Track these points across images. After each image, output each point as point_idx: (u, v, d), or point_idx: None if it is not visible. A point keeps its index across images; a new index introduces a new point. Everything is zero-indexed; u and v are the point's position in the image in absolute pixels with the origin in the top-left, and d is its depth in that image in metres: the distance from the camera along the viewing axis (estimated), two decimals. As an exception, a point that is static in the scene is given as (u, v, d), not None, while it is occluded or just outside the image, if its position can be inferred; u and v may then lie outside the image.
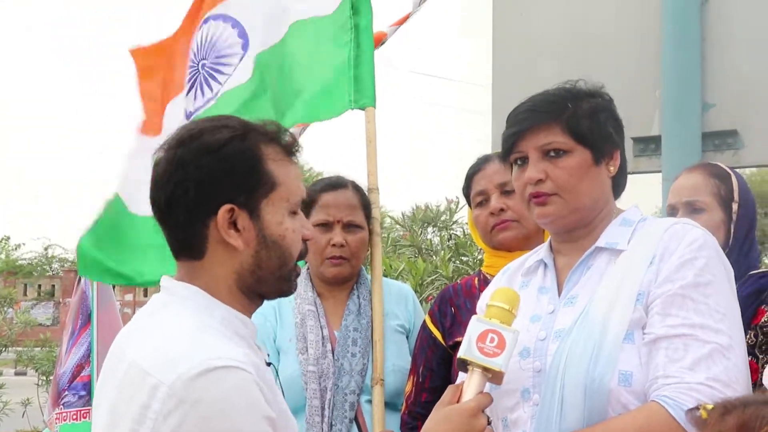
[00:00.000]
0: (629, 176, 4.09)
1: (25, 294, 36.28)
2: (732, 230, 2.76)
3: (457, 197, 9.97)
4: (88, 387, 4.15)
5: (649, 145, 4.11)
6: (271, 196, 1.75)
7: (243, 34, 3.61)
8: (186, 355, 1.60)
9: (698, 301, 1.93)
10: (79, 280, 4.57)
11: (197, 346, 1.63)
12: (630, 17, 4.35)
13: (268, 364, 1.89)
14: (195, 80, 3.66)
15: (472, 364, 1.88)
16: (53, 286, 37.08)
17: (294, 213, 1.82)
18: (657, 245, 2.05)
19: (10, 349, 14.95)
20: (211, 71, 3.59)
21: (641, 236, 2.11)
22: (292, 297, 3.02)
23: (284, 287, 1.84)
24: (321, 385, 2.91)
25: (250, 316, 1.86)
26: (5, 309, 15.95)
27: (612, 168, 2.14)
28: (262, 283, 1.78)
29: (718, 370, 1.85)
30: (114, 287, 4.72)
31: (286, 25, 3.45)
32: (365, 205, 3.10)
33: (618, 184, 2.22)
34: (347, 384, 2.95)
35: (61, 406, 4.19)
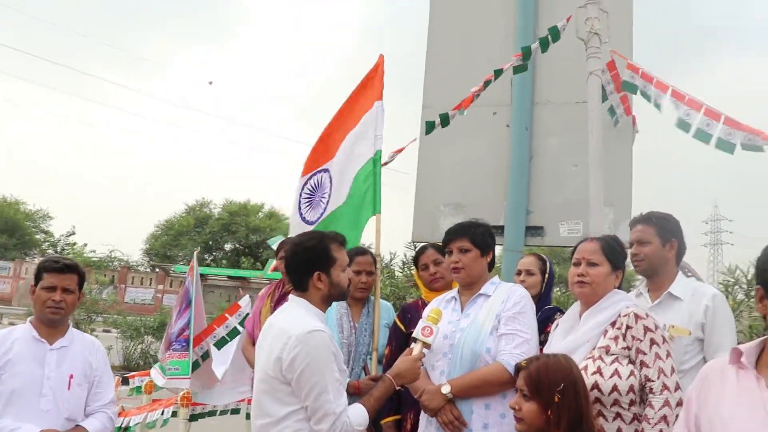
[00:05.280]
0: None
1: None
2: (543, 286, 3.90)
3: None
4: (187, 341, 5.18)
5: (498, 230, 5.19)
6: (335, 265, 2.85)
7: (330, 181, 4.66)
8: (302, 324, 2.65)
9: (520, 319, 3.00)
10: (184, 282, 5.60)
11: (306, 321, 2.68)
12: (493, 164, 5.65)
13: None
14: (311, 202, 4.73)
15: (418, 340, 2.92)
16: (113, 276, 39.18)
17: (343, 270, 2.83)
18: (505, 294, 3.09)
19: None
20: (319, 201, 4.67)
21: (499, 290, 3.13)
22: (336, 307, 3.95)
23: (342, 298, 2.92)
24: (348, 349, 3.88)
25: (325, 311, 2.90)
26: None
27: (488, 258, 3.21)
28: (332, 298, 2.84)
29: (526, 349, 2.91)
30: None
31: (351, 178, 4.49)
32: (375, 261, 4.12)
33: (491, 266, 3.22)
34: (361, 349, 3.93)
35: (171, 351, 5.25)
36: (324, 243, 2.87)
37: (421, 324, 2.99)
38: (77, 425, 3.13)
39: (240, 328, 5.55)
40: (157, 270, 38.58)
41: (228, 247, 45.36)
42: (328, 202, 4.58)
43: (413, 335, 2.99)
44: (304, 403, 2.59)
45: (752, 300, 5.90)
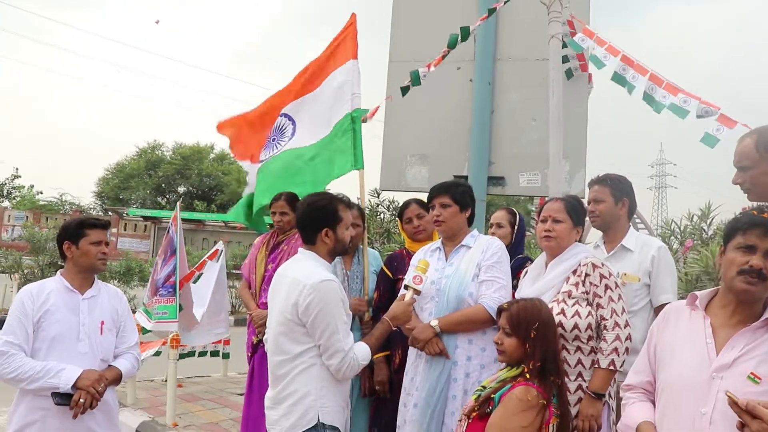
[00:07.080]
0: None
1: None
2: (514, 237, 4.22)
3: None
4: (173, 287, 5.40)
5: (461, 179, 5.23)
6: (340, 224, 3.10)
7: (294, 124, 4.85)
8: (314, 274, 2.89)
9: (497, 267, 3.32)
10: (168, 231, 5.80)
11: (318, 271, 2.92)
12: (457, 117, 5.88)
13: None
14: (267, 146, 4.85)
15: (409, 287, 3.25)
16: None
17: (347, 228, 3.10)
18: (484, 245, 3.39)
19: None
20: (274, 143, 4.82)
21: (478, 242, 3.43)
22: None
23: (344, 253, 3.24)
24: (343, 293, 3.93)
25: (331, 262, 3.15)
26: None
27: (467, 214, 3.50)
28: (336, 252, 3.11)
29: (503, 294, 3.26)
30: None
31: (329, 127, 4.64)
32: (362, 215, 4.38)
33: (471, 221, 3.52)
34: (354, 294, 4.22)
35: (158, 296, 5.48)
36: (334, 204, 3.14)
37: (411, 273, 3.33)
38: (110, 365, 3.46)
39: (216, 266, 5.77)
40: (110, 213, 38.10)
41: (181, 189, 44.79)
42: (284, 144, 4.78)
43: (405, 283, 3.32)
44: (317, 342, 2.91)
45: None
